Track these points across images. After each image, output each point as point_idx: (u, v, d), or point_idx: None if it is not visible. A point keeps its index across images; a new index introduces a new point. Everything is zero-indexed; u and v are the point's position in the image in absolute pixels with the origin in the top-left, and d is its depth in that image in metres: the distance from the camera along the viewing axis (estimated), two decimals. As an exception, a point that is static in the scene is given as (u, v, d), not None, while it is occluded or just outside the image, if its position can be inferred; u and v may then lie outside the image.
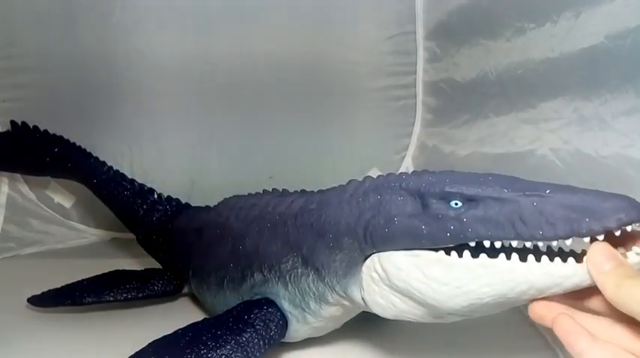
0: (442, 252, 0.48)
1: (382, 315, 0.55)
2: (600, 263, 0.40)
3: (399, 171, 1.39)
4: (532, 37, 0.96)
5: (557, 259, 0.43)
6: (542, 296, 0.44)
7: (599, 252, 0.41)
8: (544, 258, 0.43)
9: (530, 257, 0.44)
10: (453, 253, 0.47)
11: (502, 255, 0.45)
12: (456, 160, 1.21)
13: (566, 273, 0.42)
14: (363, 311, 0.62)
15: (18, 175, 1.26)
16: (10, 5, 1.19)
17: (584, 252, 0.43)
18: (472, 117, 1.17)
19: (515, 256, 0.44)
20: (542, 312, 0.45)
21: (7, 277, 1.03)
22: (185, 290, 0.93)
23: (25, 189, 1.27)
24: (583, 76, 0.85)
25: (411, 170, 1.41)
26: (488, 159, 1.10)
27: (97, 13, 1.22)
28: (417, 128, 1.40)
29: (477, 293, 0.46)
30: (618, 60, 0.78)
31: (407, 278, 0.49)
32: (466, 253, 0.47)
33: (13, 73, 1.22)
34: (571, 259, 0.42)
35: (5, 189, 1.25)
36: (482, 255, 0.46)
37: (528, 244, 0.44)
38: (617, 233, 0.40)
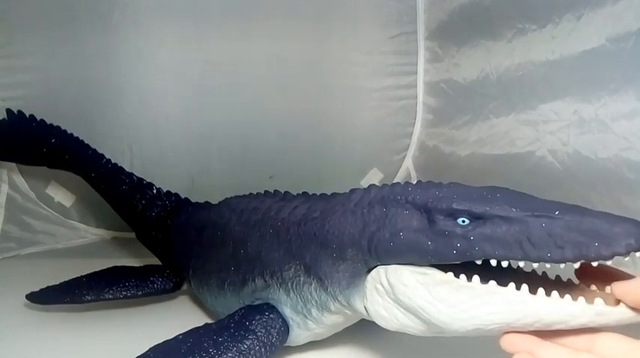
0: (451, 274, 0.47)
1: (384, 327, 0.54)
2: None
3: (400, 171, 1.42)
4: (533, 39, 0.96)
5: (568, 296, 0.42)
6: (547, 329, 0.43)
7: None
8: (554, 293, 0.42)
9: (541, 290, 0.43)
10: (462, 276, 0.46)
11: (512, 284, 0.44)
12: (456, 160, 1.21)
13: (574, 312, 0.41)
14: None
15: (19, 175, 1.26)
16: (10, 5, 1.18)
17: (593, 290, 0.43)
18: (472, 118, 1.17)
19: (525, 287, 0.43)
20: (514, 340, 0.44)
21: (7, 277, 1.03)
22: (184, 287, 0.92)
23: (25, 188, 1.27)
24: (583, 78, 0.85)
25: (411, 170, 1.41)
26: (487, 160, 1.10)
27: (97, 12, 1.22)
28: (417, 128, 1.40)
29: (482, 319, 0.45)
30: (619, 62, 0.78)
31: (412, 296, 0.49)
32: (475, 278, 0.45)
33: (13, 72, 1.21)
34: (581, 298, 0.41)
35: (5, 189, 1.24)
36: (492, 282, 0.45)
37: (535, 265, 0.43)
38: (626, 258, 0.39)
